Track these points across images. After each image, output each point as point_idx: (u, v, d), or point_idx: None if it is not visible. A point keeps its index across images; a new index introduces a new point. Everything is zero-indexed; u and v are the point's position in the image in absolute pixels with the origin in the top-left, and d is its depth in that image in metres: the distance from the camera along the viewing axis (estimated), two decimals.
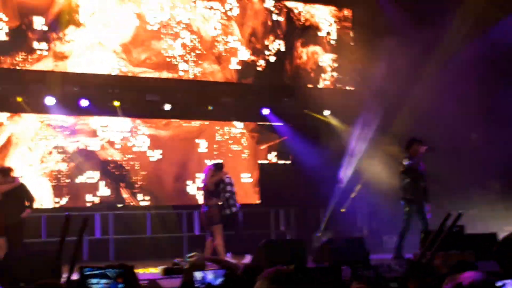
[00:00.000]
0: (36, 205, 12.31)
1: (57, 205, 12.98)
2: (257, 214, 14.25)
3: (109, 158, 13.48)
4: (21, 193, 11.04)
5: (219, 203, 11.42)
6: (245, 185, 14.53)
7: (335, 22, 15.17)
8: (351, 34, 15.22)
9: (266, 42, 14.44)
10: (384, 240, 13.80)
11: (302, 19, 14.87)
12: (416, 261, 8.44)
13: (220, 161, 12.23)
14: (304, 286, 3.14)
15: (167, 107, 13.58)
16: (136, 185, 13.67)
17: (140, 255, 12.46)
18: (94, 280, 4.23)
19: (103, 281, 4.19)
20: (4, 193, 10.75)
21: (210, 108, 14.05)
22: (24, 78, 12.29)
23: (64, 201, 13.09)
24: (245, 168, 14.65)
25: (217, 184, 11.45)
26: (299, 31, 14.81)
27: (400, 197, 11.17)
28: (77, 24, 12.63)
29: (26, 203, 10.93)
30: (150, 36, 13.32)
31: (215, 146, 14.43)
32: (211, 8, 13.94)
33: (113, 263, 4.47)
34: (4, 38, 12.12)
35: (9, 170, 11.11)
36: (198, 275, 5.82)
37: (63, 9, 12.52)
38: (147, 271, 10.05)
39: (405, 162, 11.09)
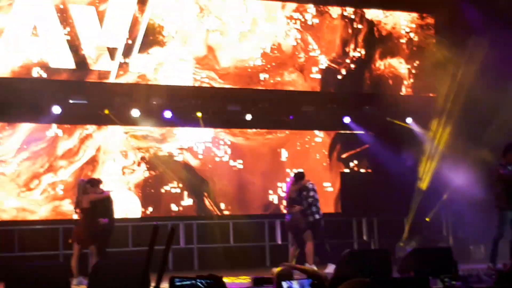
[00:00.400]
0: (122, 214, 12.66)
1: (141, 215, 13.24)
2: (339, 223, 14.14)
3: (192, 168, 13.66)
4: (108, 205, 11.34)
5: (302, 210, 11.40)
6: (327, 194, 14.45)
7: (416, 28, 14.94)
8: (433, 40, 14.95)
9: (346, 50, 14.36)
10: (471, 250, 13.45)
11: (382, 26, 14.71)
12: (506, 272, 8.20)
13: (300, 170, 12.23)
14: None
15: (248, 117, 13.67)
16: (219, 195, 13.80)
17: (224, 264, 12.56)
18: None
19: None
20: (91, 202, 11.05)
21: (291, 117, 14.05)
22: (111, 92, 12.62)
23: (149, 210, 13.34)
24: (326, 177, 14.58)
25: (300, 192, 11.44)
26: (379, 39, 14.67)
27: (494, 205, 10.87)
28: (161, 44, 12.90)
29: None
30: (230, 46, 13.45)
31: (295, 155, 14.42)
32: (291, 17, 13.96)
33: (203, 274, 4.51)
34: (93, 53, 12.51)
35: (98, 181, 11.44)
36: (284, 285, 5.82)
37: (148, 30, 12.81)
38: (236, 281, 10.07)
39: (501, 170, 10.75)
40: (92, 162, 13.02)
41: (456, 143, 13.92)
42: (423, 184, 14.33)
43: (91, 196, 11.16)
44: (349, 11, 14.51)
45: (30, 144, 12.63)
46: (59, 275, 8.92)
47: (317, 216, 11.49)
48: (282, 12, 13.92)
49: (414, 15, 15.03)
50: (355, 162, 14.96)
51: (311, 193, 11.48)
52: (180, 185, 13.57)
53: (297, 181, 11.53)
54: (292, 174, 12.08)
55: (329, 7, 14.32)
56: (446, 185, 14.33)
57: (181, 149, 13.63)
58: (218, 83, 13.36)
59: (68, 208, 12.59)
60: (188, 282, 4.29)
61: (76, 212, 11.32)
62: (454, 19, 13.92)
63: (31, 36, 12.13)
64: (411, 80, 14.87)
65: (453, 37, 13.78)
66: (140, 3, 12.85)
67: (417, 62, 14.90)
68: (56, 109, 12.40)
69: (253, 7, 13.70)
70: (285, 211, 11.87)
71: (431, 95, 14.82)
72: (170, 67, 13.02)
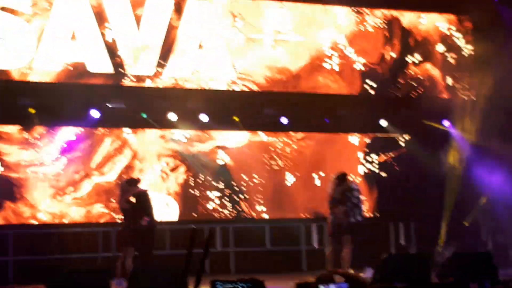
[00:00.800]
0: (160, 218, 12.70)
1: (178, 218, 13.30)
2: (376, 227, 14.04)
3: (229, 170, 13.68)
4: (146, 203, 11.37)
5: (346, 211, 11.32)
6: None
7: (453, 30, 14.80)
8: (470, 41, 14.78)
9: (382, 52, 14.28)
10: (510, 255, 13.26)
11: (418, 29, 14.60)
12: None
13: (343, 172, 12.19)
14: None
15: (284, 120, 13.65)
16: (255, 197, 13.80)
17: (260, 268, 12.52)
18: None
19: None
20: (129, 202, 11.07)
21: (326, 121, 14.01)
22: (147, 95, 12.71)
23: (186, 214, 13.37)
24: (362, 180, 14.49)
25: (343, 193, 11.36)
26: (415, 41, 14.56)
27: None
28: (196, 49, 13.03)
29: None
30: (260, 49, 13.49)
31: (333, 158, 14.35)
32: (324, 20, 13.94)
33: (244, 277, 4.51)
34: (130, 57, 12.63)
35: (136, 181, 11.46)
36: None
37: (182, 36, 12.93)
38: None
39: None
40: (130, 165, 13.09)
41: (494, 144, 13.78)
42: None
43: (127, 195, 11.20)
44: (386, 13, 14.42)
45: (70, 147, 12.76)
46: (100, 279, 8.98)
47: (359, 218, 11.41)
48: (313, 14, 13.87)
49: (451, 17, 14.88)
50: (392, 165, 14.80)
51: (356, 194, 11.41)
52: (218, 188, 13.59)
53: (341, 182, 11.46)
54: (333, 176, 11.99)
55: (365, 9, 14.25)
56: (484, 189, 14.19)
57: (217, 149, 13.64)
58: (254, 87, 13.39)
59: (104, 211, 12.68)
60: (230, 286, 4.29)
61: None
62: (492, 20, 13.77)
63: (70, 40, 12.27)
64: (448, 83, 14.71)
65: (491, 37, 13.63)
66: (176, 12, 12.96)
67: (454, 63, 14.74)
68: (95, 113, 12.52)
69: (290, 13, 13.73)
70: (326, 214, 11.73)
71: (468, 97, 14.65)
72: (205, 71, 13.07)
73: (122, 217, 11.17)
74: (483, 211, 14.26)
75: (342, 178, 11.51)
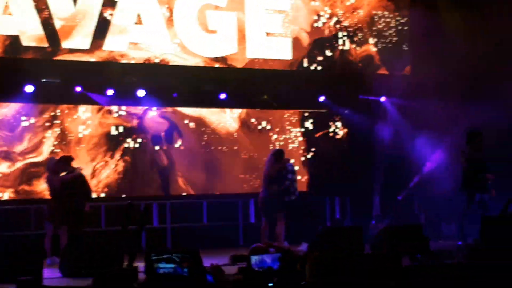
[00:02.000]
0: (96, 194, 12.61)
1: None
2: (312, 202, 14.22)
3: (164, 151, 13.62)
4: (81, 184, 11.29)
5: (281, 189, 11.45)
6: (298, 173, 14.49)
7: (390, 9, 14.97)
8: (406, 18, 15.00)
9: (318, 26, 14.35)
10: (442, 228, 13.66)
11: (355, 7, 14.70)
12: (476, 247, 8.37)
13: (280, 149, 12.31)
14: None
15: (223, 96, 13.64)
16: (190, 174, 13.77)
17: (198, 243, 12.54)
18: (161, 265, 4.31)
19: (170, 265, 4.26)
20: (63, 182, 10.99)
21: (265, 96, 14.05)
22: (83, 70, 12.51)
23: (122, 191, 13.27)
24: (297, 156, 14.62)
25: (280, 171, 11.49)
26: (352, 19, 14.66)
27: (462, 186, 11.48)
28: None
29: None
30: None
31: (271, 134, 14.43)
32: None
33: (179, 248, 4.55)
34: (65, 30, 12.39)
35: (69, 159, 11.36)
36: (253, 259, 5.85)
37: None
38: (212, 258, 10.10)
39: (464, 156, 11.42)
40: (63, 141, 12.88)
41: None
42: None
43: (62, 176, 11.09)
44: None
45: (3, 123, 12.49)
46: (32, 253, 8.90)
47: (293, 197, 11.59)
48: None
49: None
50: (329, 140, 14.96)
51: (289, 175, 11.57)
52: (154, 166, 13.52)
53: (278, 160, 11.57)
54: (271, 152, 12.07)
55: None
56: (420, 164, 14.55)
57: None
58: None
59: (38, 188, 12.48)
60: (164, 256, 4.32)
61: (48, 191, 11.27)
62: None
63: (3, 14, 11.95)
64: (385, 59, 14.90)
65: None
66: None
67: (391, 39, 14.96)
68: (29, 88, 12.24)
69: None
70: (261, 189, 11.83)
71: (406, 73, 14.90)
72: (144, 46, 12.94)
73: (52, 195, 11.07)
74: (415, 185, 14.62)
75: (279, 156, 11.62)
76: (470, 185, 11.34)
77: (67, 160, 11.36)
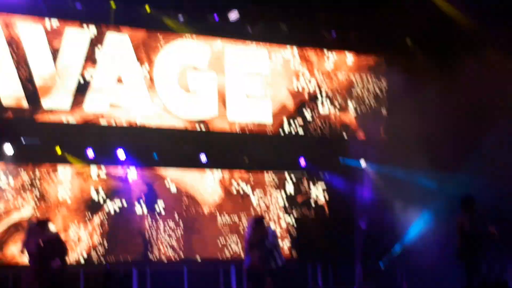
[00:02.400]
0: (75, 259, 12.17)
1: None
2: (295, 269, 13.95)
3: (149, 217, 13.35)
4: (57, 246, 10.90)
5: (262, 256, 11.14)
6: (282, 238, 14.26)
7: (365, 73, 15.19)
8: (384, 82, 15.23)
9: (296, 92, 14.44)
10: None
11: (330, 66, 14.88)
12: None
13: (260, 215, 12.13)
14: None
15: (203, 158, 13.55)
16: (170, 238, 13.45)
17: None
18: None
19: None
20: (39, 245, 10.59)
21: (245, 158, 13.97)
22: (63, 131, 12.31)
23: (103, 255, 12.86)
24: (282, 221, 14.42)
25: (260, 237, 11.18)
26: (331, 83, 14.83)
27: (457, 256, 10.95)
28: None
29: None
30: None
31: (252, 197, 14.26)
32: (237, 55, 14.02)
33: None
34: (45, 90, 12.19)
35: (46, 222, 11.03)
36: None
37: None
38: None
39: (465, 226, 10.82)
40: (43, 203, 12.51)
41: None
42: None
43: (37, 238, 10.71)
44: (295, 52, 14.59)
45: None
46: None
47: (279, 262, 11.24)
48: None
49: (366, 57, 15.27)
50: (311, 205, 14.82)
51: (272, 239, 11.26)
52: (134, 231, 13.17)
53: (258, 226, 11.29)
54: (250, 219, 11.86)
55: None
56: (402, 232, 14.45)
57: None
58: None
59: (16, 253, 12.01)
60: None
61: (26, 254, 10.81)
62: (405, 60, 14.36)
63: None
64: (362, 123, 15.01)
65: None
66: (94, 44, 12.76)
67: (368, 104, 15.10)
68: (8, 149, 11.95)
69: None
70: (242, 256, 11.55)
71: (383, 137, 15.00)
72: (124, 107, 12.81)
73: (29, 260, 10.64)
74: (398, 254, 14.48)
75: (258, 222, 11.35)
76: (466, 255, 10.66)
77: (45, 223, 11.00)
